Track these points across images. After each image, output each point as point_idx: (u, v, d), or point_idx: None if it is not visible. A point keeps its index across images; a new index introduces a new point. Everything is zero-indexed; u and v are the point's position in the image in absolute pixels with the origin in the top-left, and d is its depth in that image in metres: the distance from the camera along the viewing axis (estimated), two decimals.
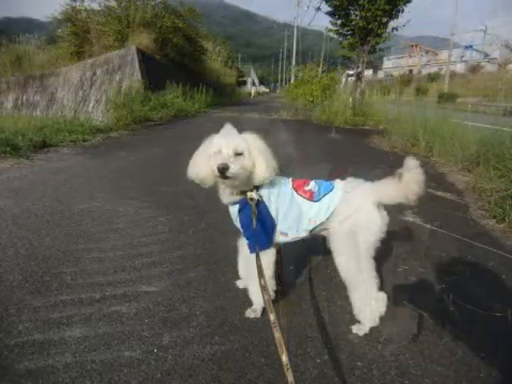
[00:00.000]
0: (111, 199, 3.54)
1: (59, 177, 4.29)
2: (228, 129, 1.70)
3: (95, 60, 13.33)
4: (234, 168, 1.54)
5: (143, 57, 12.59)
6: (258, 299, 1.78)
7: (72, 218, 3.01)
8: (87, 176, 4.38)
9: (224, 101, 21.90)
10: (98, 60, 13.18)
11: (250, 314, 1.80)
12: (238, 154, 1.59)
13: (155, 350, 1.57)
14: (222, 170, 1.53)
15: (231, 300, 1.94)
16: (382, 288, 1.91)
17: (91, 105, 12.43)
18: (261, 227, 1.68)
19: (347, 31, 11.13)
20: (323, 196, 1.73)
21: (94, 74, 13.12)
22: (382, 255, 2.53)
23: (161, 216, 3.12)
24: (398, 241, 2.73)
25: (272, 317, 1.25)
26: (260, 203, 1.70)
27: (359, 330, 1.71)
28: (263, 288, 1.36)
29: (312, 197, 1.73)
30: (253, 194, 1.68)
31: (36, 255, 2.38)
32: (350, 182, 1.79)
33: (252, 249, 1.68)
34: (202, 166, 1.65)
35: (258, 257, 1.49)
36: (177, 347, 1.60)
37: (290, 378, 1.09)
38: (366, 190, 1.72)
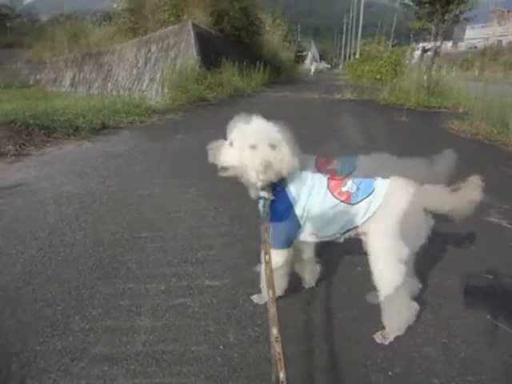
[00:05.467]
0: (170, 186, 3.76)
1: (119, 161, 4.61)
2: (257, 121, 1.75)
3: (150, 36, 13.83)
4: (275, 164, 1.63)
5: (198, 32, 12.80)
6: (265, 291, 1.90)
7: (134, 205, 3.25)
8: (146, 161, 4.65)
9: (282, 79, 21.78)
10: (153, 36, 13.67)
11: (256, 298, 2.01)
12: (272, 146, 1.65)
13: (221, 347, 1.70)
14: (266, 169, 1.62)
15: (295, 300, 2.02)
16: (462, 300, 1.89)
17: (145, 83, 12.97)
18: (280, 226, 1.77)
19: None
20: (362, 199, 1.70)
21: (149, 50, 13.64)
22: (464, 261, 2.45)
23: (220, 206, 3.26)
24: (481, 246, 2.63)
25: (275, 331, 1.26)
26: (284, 202, 1.75)
27: (384, 339, 1.74)
28: (269, 286, 1.42)
29: (349, 199, 1.71)
30: (265, 194, 1.75)
31: (103, 241, 2.61)
32: (395, 180, 1.74)
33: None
34: (229, 157, 1.73)
35: (265, 253, 1.54)
36: (242, 345, 1.71)
37: None
38: (412, 192, 1.67)
